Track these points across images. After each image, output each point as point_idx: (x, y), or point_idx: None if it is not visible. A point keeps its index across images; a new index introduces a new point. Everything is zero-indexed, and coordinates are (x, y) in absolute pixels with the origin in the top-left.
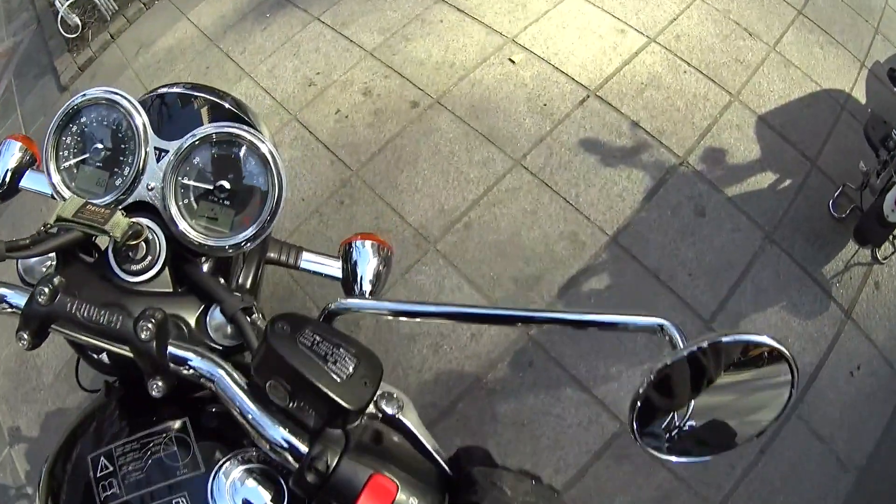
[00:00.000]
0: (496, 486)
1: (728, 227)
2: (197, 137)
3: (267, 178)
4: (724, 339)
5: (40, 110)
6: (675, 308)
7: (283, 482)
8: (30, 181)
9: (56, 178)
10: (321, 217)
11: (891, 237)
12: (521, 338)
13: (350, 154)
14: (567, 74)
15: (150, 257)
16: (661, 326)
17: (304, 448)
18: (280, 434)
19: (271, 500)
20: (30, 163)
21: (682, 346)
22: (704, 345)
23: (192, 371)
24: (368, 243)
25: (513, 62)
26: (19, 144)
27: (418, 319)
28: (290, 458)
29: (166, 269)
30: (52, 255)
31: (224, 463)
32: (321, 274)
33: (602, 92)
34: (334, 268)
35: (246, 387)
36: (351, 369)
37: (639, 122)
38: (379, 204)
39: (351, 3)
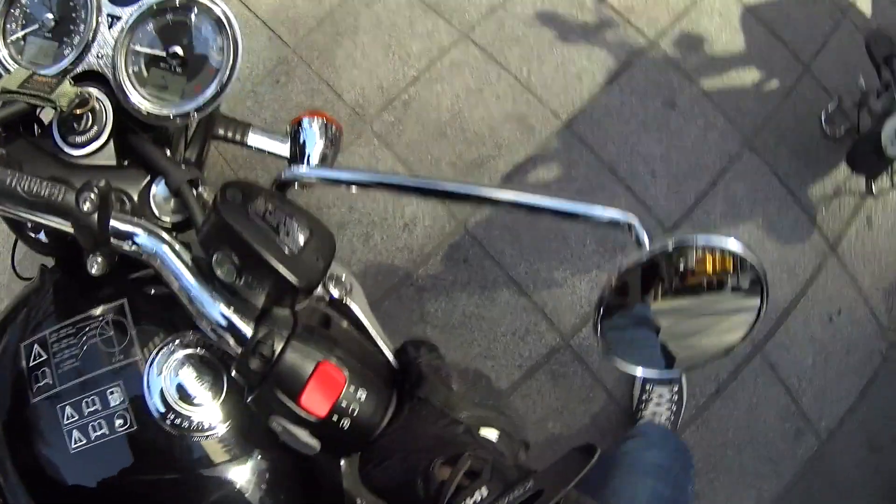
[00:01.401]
0: (445, 382)
1: (701, 123)
2: (153, 1)
3: (221, 45)
4: (689, 240)
5: None
6: (633, 210)
7: (223, 370)
8: None
9: (3, 52)
10: (256, 97)
11: (889, 171)
12: (456, 230)
13: (289, 30)
14: None
15: (95, 128)
16: (629, 224)
17: (248, 331)
18: (223, 314)
19: (209, 389)
20: None
21: (647, 246)
22: (669, 245)
23: (133, 246)
24: (316, 121)
25: None
26: None
27: (371, 189)
28: (232, 342)
29: (111, 142)
30: None
31: (161, 348)
32: (267, 152)
33: None
34: (282, 146)
35: (190, 263)
36: (302, 242)
37: None
38: (315, 81)
39: None
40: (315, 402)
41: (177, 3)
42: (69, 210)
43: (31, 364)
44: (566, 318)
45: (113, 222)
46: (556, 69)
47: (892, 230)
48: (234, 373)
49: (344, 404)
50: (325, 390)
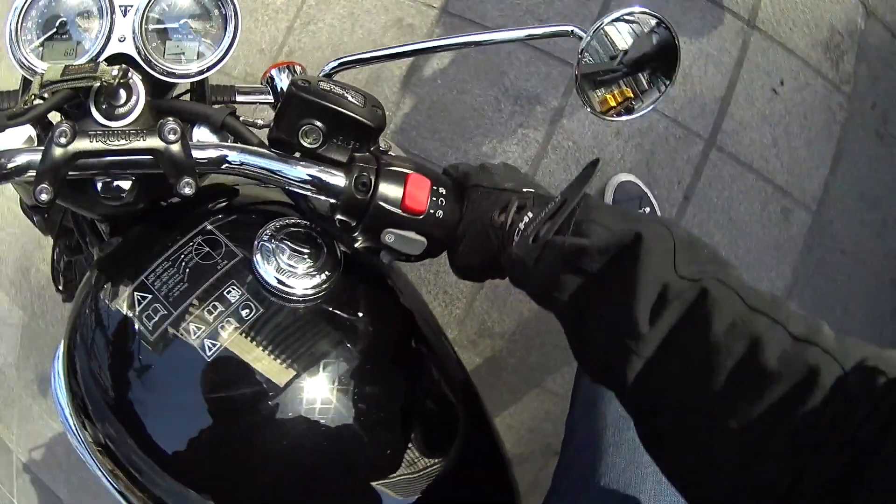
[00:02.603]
0: (486, 170)
1: None
2: None
3: (223, 8)
4: (607, 19)
5: None
6: (537, 58)
7: (317, 237)
8: None
9: (40, 65)
10: None
11: None
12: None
13: None
14: None
15: (133, 97)
16: (572, 31)
17: (340, 181)
18: (315, 175)
19: (310, 257)
20: None
21: (587, 34)
22: (598, 25)
23: (225, 165)
24: (283, 69)
25: None
26: None
27: (392, 60)
28: (328, 194)
29: (146, 108)
30: (29, 133)
31: (261, 238)
32: (255, 102)
33: None
34: (266, 97)
35: (274, 154)
36: (363, 100)
37: None
38: None
39: None
40: (416, 201)
41: None
42: (154, 147)
43: (138, 310)
44: None
45: (197, 153)
46: None
47: None
48: (338, 216)
49: (434, 198)
50: (420, 190)
